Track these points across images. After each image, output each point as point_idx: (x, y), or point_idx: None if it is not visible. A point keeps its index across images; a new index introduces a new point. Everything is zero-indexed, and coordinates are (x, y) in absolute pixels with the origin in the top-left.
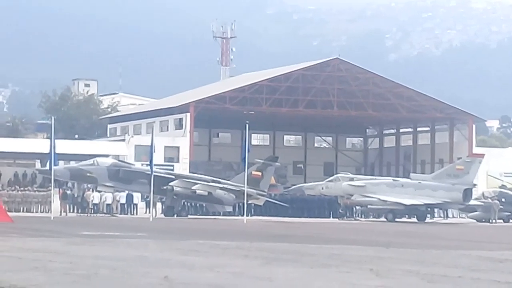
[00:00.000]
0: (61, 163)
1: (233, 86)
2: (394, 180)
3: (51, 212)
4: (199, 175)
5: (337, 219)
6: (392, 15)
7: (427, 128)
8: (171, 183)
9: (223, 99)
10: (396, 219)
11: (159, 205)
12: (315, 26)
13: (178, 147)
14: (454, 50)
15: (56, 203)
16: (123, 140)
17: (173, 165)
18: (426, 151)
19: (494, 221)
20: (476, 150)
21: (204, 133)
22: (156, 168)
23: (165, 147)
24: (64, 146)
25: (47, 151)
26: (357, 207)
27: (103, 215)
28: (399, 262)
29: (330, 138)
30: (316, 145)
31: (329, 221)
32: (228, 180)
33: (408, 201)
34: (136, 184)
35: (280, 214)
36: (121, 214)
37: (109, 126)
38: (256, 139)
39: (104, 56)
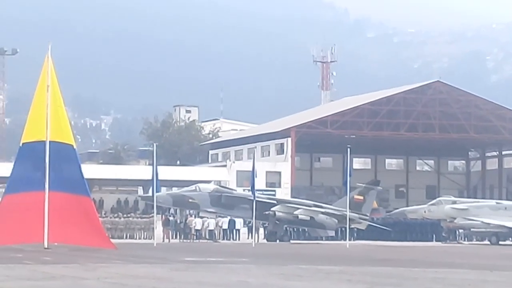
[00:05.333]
0: (163, 189)
1: (334, 110)
2: (497, 203)
3: (153, 239)
4: (301, 200)
5: (440, 243)
6: (493, 36)
7: None
8: (273, 208)
9: (324, 124)
10: (500, 242)
11: (261, 230)
12: (416, 49)
13: (279, 172)
14: None
15: (158, 229)
16: (225, 165)
17: (274, 190)
18: None
19: None
20: None
21: (305, 157)
22: (258, 193)
23: (267, 172)
24: (166, 172)
25: (149, 177)
26: (460, 230)
27: (206, 241)
28: (503, 285)
29: (432, 161)
30: (418, 168)
31: (432, 245)
32: (330, 204)
33: None
34: (238, 209)
35: (383, 238)
36: (223, 239)
37: (211, 152)
38: (358, 163)
39: (205, 82)
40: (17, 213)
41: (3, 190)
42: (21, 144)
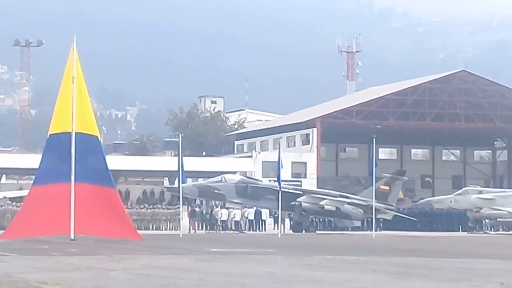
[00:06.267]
0: (189, 180)
1: (360, 100)
2: None
3: (180, 230)
4: (327, 190)
5: (466, 233)
6: None
7: None
8: (299, 199)
9: (349, 114)
10: None
11: (287, 221)
12: (440, 38)
13: (305, 163)
14: None
15: (184, 220)
16: (250, 156)
17: (300, 181)
18: None
19: None
20: None
21: (331, 148)
22: (284, 184)
23: (292, 162)
24: (192, 163)
25: (175, 168)
26: (487, 220)
27: (232, 231)
28: None
29: (458, 151)
30: (444, 158)
31: (458, 235)
32: (356, 194)
33: None
34: (264, 200)
35: (409, 228)
36: (249, 230)
37: (236, 142)
38: (383, 153)
39: (230, 73)
40: (44, 204)
41: (31, 181)
42: (48, 136)
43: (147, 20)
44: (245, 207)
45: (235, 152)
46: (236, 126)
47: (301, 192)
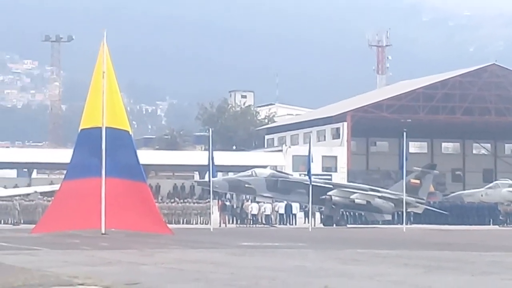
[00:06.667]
0: (219, 174)
1: (390, 94)
2: None
3: (210, 224)
4: (357, 184)
5: (497, 226)
6: None
7: None
8: (329, 193)
9: (380, 108)
10: None
11: (317, 214)
12: (471, 32)
13: (335, 157)
14: None
15: (215, 214)
16: (281, 150)
17: (331, 175)
18: None
19: None
20: None
21: (361, 142)
22: (314, 178)
23: (323, 156)
24: (222, 157)
25: (206, 163)
26: None
27: (262, 225)
28: None
29: (489, 145)
30: (474, 152)
31: (489, 228)
32: (387, 188)
33: None
34: (295, 194)
35: (440, 222)
36: (280, 224)
37: (266, 137)
38: (414, 147)
39: (260, 67)
40: (75, 199)
41: (62, 176)
42: (79, 131)
43: (177, 15)
44: (276, 201)
45: (265, 146)
46: (266, 121)
47: (331, 186)
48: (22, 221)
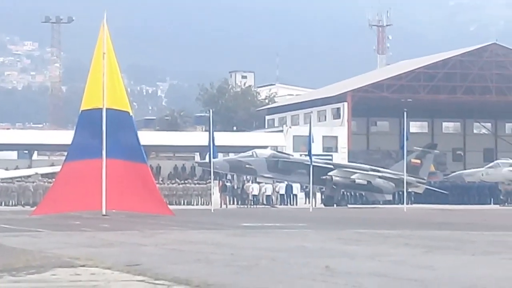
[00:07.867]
0: (220, 155)
1: (390, 74)
2: None
3: (211, 205)
4: (358, 164)
5: (498, 206)
6: None
7: None
8: (330, 173)
9: (380, 88)
10: None
11: (318, 195)
12: (472, 11)
13: (336, 137)
14: None
15: (216, 195)
16: (281, 131)
17: (331, 155)
18: None
19: None
20: None
21: (361, 122)
22: (315, 158)
23: (323, 137)
24: (223, 138)
25: (206, 143)
26: None
27: (263, 206)
28: None
29: (489, 124)
30: (475, 131)
31: (490, 208)
32: (387, 168)
33: None
34: (295, 174)
35: (440, 201)
36: (280, 205)
37: (267, 117)
38: (414, 126)
39: (260, 48)
40: (76, 180)
41: (63, 158)
42: (80, 112)
43: None
44: (276, 181)
45: (266, 126)
46: (266, 101)
47: (332, 166)
48: (22, 203)
